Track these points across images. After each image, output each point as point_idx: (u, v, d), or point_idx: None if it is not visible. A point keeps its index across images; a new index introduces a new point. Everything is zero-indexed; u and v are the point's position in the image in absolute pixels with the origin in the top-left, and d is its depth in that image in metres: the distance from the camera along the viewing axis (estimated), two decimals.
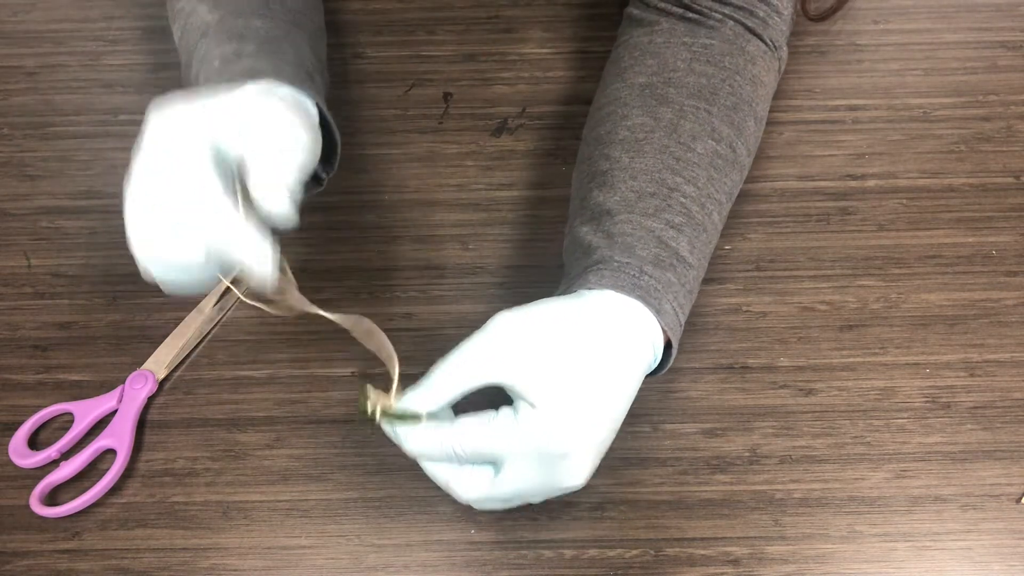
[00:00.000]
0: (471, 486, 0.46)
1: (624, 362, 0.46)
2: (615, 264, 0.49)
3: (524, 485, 0.45)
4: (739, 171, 0.56)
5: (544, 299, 0.48)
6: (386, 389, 0.46)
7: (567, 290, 0.50)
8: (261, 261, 0.44)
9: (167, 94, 0.46)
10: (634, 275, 0.48)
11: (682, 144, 0.53)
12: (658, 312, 0.48)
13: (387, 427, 0.46)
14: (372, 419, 0.46)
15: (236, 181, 0.45)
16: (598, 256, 0.50)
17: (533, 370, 0.44)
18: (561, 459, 0.44)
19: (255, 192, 0.44)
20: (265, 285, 0.44)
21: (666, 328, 0.48)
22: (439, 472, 0.47)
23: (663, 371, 0.51)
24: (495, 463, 0.46)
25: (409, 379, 0.46)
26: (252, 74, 0.49)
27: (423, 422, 0.45)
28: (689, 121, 0.54)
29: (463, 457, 0.45)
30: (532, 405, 0.44)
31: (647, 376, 0.50)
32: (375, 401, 0.45)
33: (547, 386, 0.44)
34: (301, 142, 0.46)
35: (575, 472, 0.45)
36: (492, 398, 0.46)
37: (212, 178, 0.43)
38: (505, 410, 0.45)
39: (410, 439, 0.45)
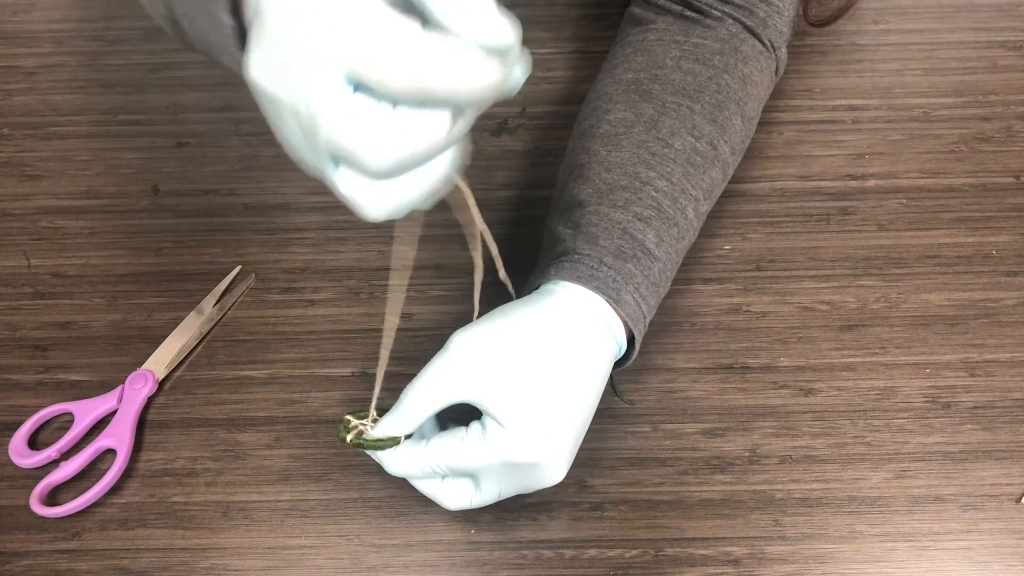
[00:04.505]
0: (455, 497, 0.48)
1: (586, 360, 0.47)
2: (575, 256, 0.50)
3: (504, 490, 0.48)
4: (721, 168, 0.56)
5: (501, 308, 0.48)
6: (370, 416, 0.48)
7: (530, 283, 0.51)
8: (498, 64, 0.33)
9: None
10: (592, 266, 0.49)
11: (660, 140, 0.53)
12: (616, 302, 0.48)
13: (369, 453, 0.48)
14: (351, 445, 0.47)
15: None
16: (562, 248, 0.51)
17: (497, 388, 0.45)
18: (533, 467, 0.46)
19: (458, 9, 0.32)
20: (518, 86, 0.34)
21: (627, 319, 0.49)
22: (424, 486, 0.49)
23: (628, 363, 0.51)
24: (472, 476, 0.47)
25: (401, 378, 0.47)
26: None
27: (402, 443, 0.46)
28: (670, 117, 0.54)
29: (442, 474, 0.47)
30: (499, 423, 0.45)
31: (619, 368, 0.51)
32: (353, 429, 0.47)
33: (512, 403, 0.45)
34: None
35: (550, 474, 0.47)
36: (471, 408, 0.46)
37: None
38: (475, 428, 0.46)
39: (391, 462, 0.47)
